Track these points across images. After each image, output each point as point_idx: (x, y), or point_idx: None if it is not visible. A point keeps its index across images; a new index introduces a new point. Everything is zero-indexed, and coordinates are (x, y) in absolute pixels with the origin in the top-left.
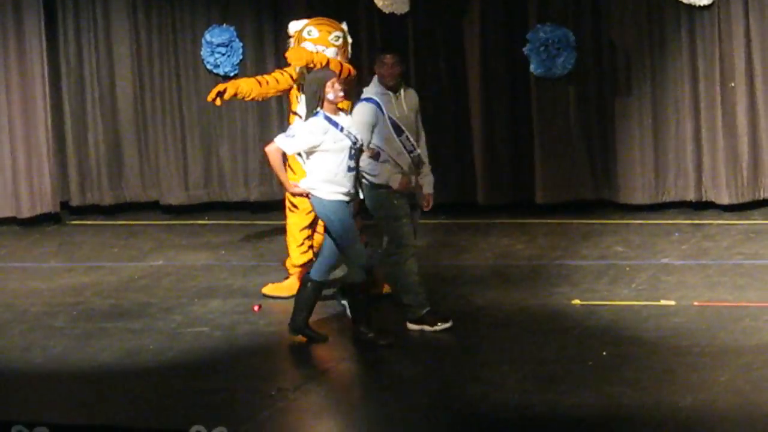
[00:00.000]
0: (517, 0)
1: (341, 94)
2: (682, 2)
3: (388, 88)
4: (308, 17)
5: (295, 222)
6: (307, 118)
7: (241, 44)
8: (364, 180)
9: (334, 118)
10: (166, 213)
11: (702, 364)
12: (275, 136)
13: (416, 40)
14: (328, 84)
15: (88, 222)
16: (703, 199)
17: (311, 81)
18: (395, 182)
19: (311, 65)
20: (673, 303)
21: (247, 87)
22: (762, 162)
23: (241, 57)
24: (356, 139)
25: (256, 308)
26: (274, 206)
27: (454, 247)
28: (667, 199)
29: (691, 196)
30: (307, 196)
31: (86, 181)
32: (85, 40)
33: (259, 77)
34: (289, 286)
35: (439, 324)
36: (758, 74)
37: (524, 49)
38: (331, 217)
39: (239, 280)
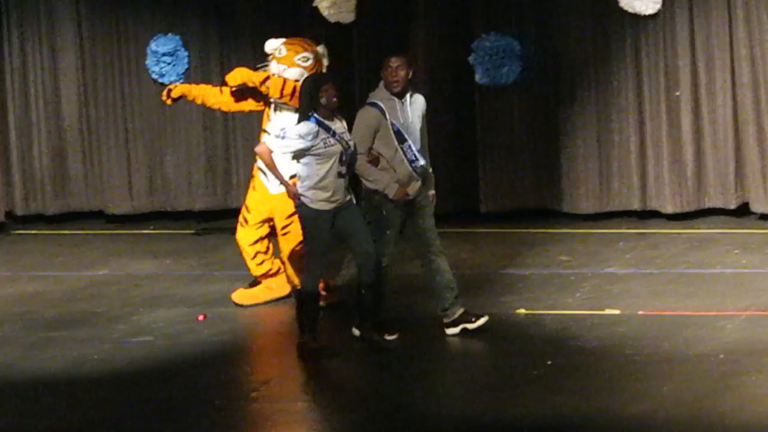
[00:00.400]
0: (463, 9)
1: (334, 99)
2: (627, 12)
3: (393, 94)
4: (252, 27)
5: (244, 236)
6: (299, 120)
7: (186, 53)
8: (363, 182)
9: (326, 122)
10: (111, 222)
11: (646, 374)
12: (218, 146)
13: (361, 50)
14: (323, 88)
15: (33, 231)
16: (648, 208)
17: (306, 83)
18: (391, 191)
19: (251, 84)
20: (617, 312)
21: (199, 91)
22: (706, 171)
23: (186, 66)
24: (348, 144)
25: (200, 318)
26: (218, 215)
27: (398, 256)
28: (612, 209)
29: (635, 205)
30: (298, 198)
31: (31, 190)
32: (30, 49)
33: (222, 87)
34: (255, 294)
35: (386, 335)
36: (703, 83)
37: (469, 58)
38: (304, 225)
39: (184, 289)
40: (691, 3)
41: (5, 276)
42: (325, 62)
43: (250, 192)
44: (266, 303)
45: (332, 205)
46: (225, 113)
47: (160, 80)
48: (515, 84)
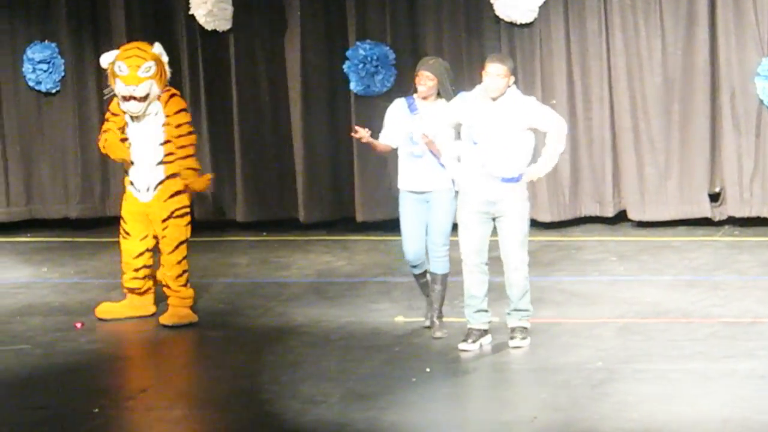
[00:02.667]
0: (337, 17)
1: (421, 87)
2: (502, 20)
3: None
4: (127, 34)
5: (127, 249)
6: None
7: (62, 61)
8: None
9: (417, 101)
10: None
11: (523, 381)
12: (94, 153)
13: (237, 58)
14: (417, 73)
15: None
16: None
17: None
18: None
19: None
20: (496, 319)
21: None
22: (583, 180)
23: (62, 74)
24: (422, 128)
25: (78, 325)
26: (94, 223)
27: (274, 264)
28: None
29: None
30: None
31: None
32: None
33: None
34: (119, 309)
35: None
36: (579, 92)
37: (344, 66)
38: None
39: (60, 297)
40: (567, 11)
41: None
42: (165, 59)
43: (124, 204)
44: (126, 319)
45: (409, 188)
46: (102, 121)
47: (37, 87)
48: (389, 92)
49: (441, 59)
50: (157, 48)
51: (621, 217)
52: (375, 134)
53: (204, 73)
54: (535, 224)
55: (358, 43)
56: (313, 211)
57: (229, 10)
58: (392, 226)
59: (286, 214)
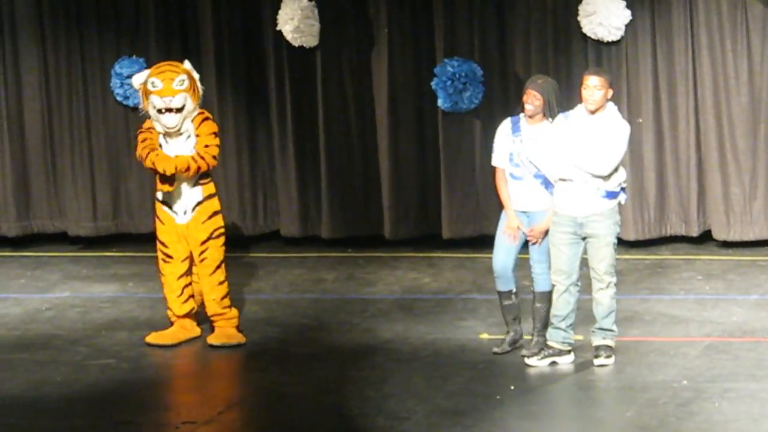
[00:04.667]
0: (425, 34)
1: (528, 107)
2: (589, 38)
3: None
4: (215, 50)
5: (172, 272)
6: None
7: None
8: None
9: (521, 121)
10: (74, 244)
11: (608, 399)
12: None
13: (324, 74)
14: (525, 91)
15: None
16: None
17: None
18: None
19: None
20: (580, 338)
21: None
22: (669, 199)
23: None
24: (522, 150)
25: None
26: None
27: (360, 280)
28: None
29: None
30: None
31: None
32: None
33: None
34: (172, 334)
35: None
36: (665, 111)
37: (432, 83)
38: None
39: (146, 312)
40: (654, 30)
41: None
42: (196, 75)
43: (159, 226)
44: (179, 345)
45: (514, 208)
46: None
47: (125, 102)
48: (477, 109)
49: (550, 78)
50: (188, 64)
51: (707, 237)
52: (463, 153)
53: (291, 89)
54: (620, 242)
55: (446, 59)
56: (400, 228)
57: (316, 26)
58: (479, 243)
59: (372, 231)
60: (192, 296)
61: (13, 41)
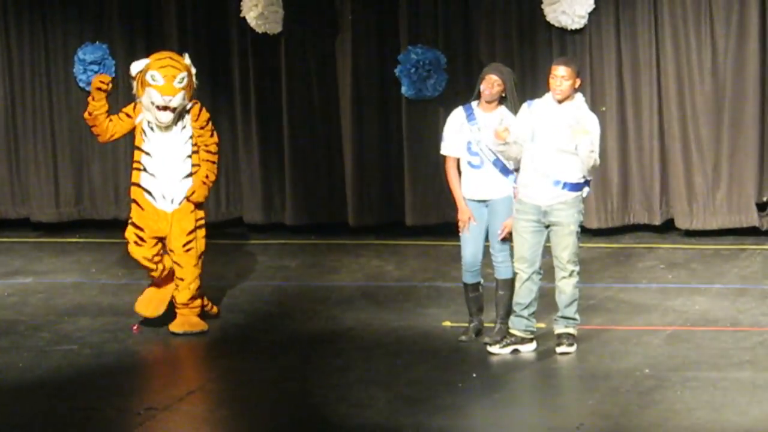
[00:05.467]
0: (389, 21)
1: (486, 92)
2: (553, 25)
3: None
4: (179, 36)
5: (144, 255)
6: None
7: (113, 62)
8: None
9: (475, 110)
10: (37, 230)
11: (570, 387)
12: None
13: (288, 61)
14: (484, 77)
15: None
16: None
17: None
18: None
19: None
20: (542, 326)
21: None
22: (632, 187)
23: (113, 75)
24: (481, 138)
25: (135, 329)
26: None
27: (324, 268)
28: None
29: None
30: None
31: None
32: None
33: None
34: (156, 298)
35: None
36: (629, 99)
37: (395, 70)
38: None
39: (109, 298)
40: (618, 18)
41: None
42: (194, 71)
43: (138, 211)
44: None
45: (470, 197)
46: None
47: (88, 88)
48: (441, 97)
49: (508, 68)
50: (188, 59)
51: (669, 225)
52: (427, 141)
53: (254, 76)
54: (584, 231)
55: (410, 47)
56: (363, 215)
57: (280, 13)
58: (442, 230)
59: (335, 218)
60: (155, 271)
61: None
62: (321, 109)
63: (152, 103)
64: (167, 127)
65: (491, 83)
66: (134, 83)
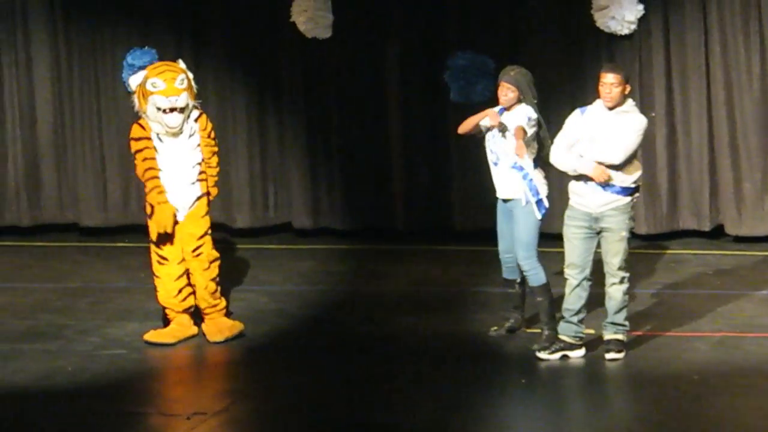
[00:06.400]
0: (437, 27)
1: (502, 98)
2: (602, 31)
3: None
4: (229, 41)
5: (169, 273)
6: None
7: None
8: None
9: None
10: (85, 235)
11: (619, 393)
12: None
13: (337, 66)
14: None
15: (6, 243)
16: None
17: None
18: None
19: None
20: (592, 331)
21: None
22: (681, 193)
23: None
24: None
25: None
26: None
27: (371, 273)
28: None
29: None
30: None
31: (4, 201)
32: (5, 60)
33: (150, 174)
34: (171, 332)
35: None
36: (678, 105)
37: (444, 75)
38: None
39: (156, 302)
40: (667, 24)
41: None
42: (190, 75)
43: (154, 228)
44: (180, 342)
45: (497, 194)
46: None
47: None
48: (489, 102)
49: (522, 68)
50: (182, 64)
51: (718, 231)
52: (474, 146)
53: (303, 82)
54: (633, 237)
55: (458, 52)
56: (411, 220)
57: (329, 18)
58: (490, 235)
59: (383, 223)
60: (191, 294)
61: (25, 33)
62: (369, 114)
63: (158, 110)
64: (175, 135)
65: (504, 90)
66: (135, 99)
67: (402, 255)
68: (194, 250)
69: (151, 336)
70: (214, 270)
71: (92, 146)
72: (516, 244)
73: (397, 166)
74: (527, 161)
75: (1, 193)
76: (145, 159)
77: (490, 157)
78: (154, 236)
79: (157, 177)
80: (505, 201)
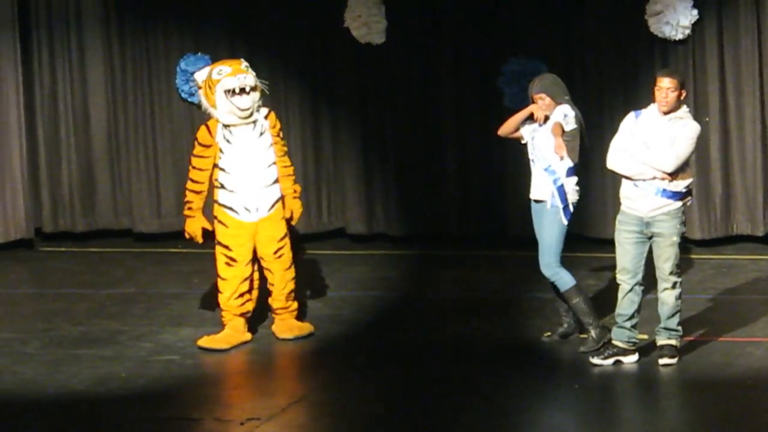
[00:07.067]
0: (492, 32)
1: (539, 112)
2: (656, 36)
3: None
4: (281, 47)
5: (236, 275)
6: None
7: None
8: None
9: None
10: (139, 241)
11: (672, 399)
12: None
13: (391, 71)
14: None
15: (61, 249)
16: None
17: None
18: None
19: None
20: (645, 337)
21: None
22: (735, 198)
23: None
24: (537, 139)
25: None
26: None
27: (425, 278)
28: None
29: None
30: None
31: (59, 207)
32: (60, 67)
33: (194, 187)
34: (225, 337)
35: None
36: (732, 110)
37: (498, 80)
38: None
39: (213, 306)
40: (721, 29)
41: (31, 293)
42: (251, 73)
43: (222, 230)
44: (233, 348)
45: (531, 196)
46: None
47: (190, 99)
48: None
49: (547, 73)
50: (244, 63)
51: None
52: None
53: (357, 87)
54: (686, 241)
55: (512, 57)
56: (465, 226)
57: (384, 23)
58: None
59: (437, 228)
60: (250, 300)
61: (78, 38)
62: (423, 119)
63: (227, 93)
64: (246, 123)
65: (538, 102)
66: (201, 95)
67: (455, 261)
68: (276, 252)
69: (205, 342)
70: (293, 271)
71: (146, 152)
72: (540, 249)
73: (451, 171)
74: (562, 165)
75: (56, 200)
76: (194, 168)
77: (531, 156)
78: (222, 238)
79: (197, 192)
80: (536, 202)
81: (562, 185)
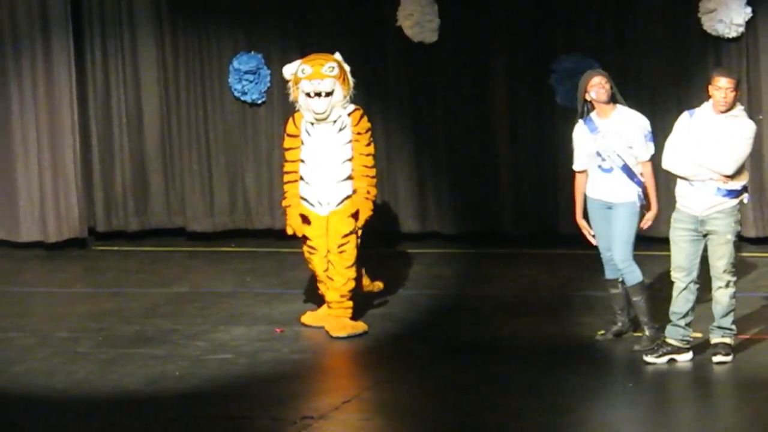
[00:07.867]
0: (544, 30)
1: (601, 92)
2: (709, 34)
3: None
4: (334, 46)
5: (319, 264)
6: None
7: (268, 71)
8: None
9: (594, 120)
10: (192, 240)
11: (726, 397)
12: None
13: (444, 69)
14: (589, 84)
15: (114, 248)
16: None
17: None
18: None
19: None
20: (699, 335)
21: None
22: None
23: (268, 84)
24: (607, 144)
25: (278, 330)
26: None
27: (478, 277)
28: None
29: None
30: None
31: (112, 207)
32: (113, 65)
33: (288, 177)
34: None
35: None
36: None
37: (550, 78)
38: None
39: (263, 307)
40: None
41: (85, 292)
42: (347, 67)
43: (302, 222)
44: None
45: (594, 197)
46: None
47: (242, 98)
48: None
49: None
50: (338, 55)
51: None
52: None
53: (410, 86)
54: (741, 240)
55: (564, 56)
56: (518, 224)
57: (436, 22)
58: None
59: (490, 227)
60: (328, 289)
61: (131, 38)
62: (475, 117)
63: (305, 95)
64: (325, 121)
65: (600, 84)
66: (290, 88)
67: (509, 259)
68: (339, 246)
69: (308, 318)
70: (354, 269)
71: (199, 152)
72: (615, 243)
73: (504, 169)
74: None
75: (109, 199)
76: (286, 161)
77: (602, 165)
78: (301, 230)
79: (291, 182)
80: (609, 207)
81: (641, 182)
